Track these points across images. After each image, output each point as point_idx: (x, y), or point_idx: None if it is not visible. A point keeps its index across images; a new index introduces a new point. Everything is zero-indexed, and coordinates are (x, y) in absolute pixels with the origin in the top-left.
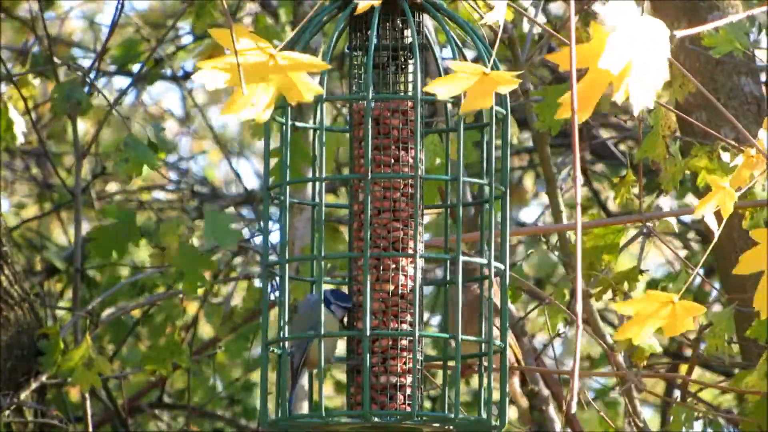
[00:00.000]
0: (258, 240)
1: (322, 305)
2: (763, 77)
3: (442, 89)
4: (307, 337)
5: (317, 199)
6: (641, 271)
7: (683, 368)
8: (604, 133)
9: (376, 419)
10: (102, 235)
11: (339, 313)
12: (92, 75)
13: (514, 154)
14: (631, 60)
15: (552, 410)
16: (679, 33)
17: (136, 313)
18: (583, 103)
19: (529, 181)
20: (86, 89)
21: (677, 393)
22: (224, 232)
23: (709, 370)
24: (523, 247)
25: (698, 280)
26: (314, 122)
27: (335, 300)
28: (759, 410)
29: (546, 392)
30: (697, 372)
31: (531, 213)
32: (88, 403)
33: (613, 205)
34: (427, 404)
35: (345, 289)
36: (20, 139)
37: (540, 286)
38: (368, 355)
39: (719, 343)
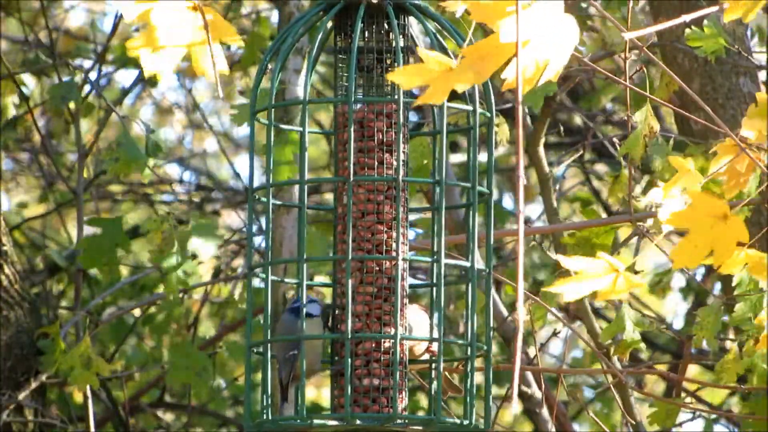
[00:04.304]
0: (258, 238)
1: (303, 314)
2: (761, 77)
3: (405, 79)
4: (291, 340)
5: (303, 202)
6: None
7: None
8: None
9: (358, 422)
10: (91, 245)
11: (314, 309)
12: (94, 74)
13: (514, 153)
14: (529, 42)
15: (545, 412)
16: (628, 35)
17: (137, 312)
18: (483, 63)
19: (534, 178)
20: (87, 88)
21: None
22: (208, 239)
23: (711, 370)
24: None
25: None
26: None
27: (306, 304)
28: (760, 406)
29: (539, 394)
30: (699, 373)
31: (537, 210)
32: (89, 402)
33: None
34: (424, 404)
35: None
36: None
37: (539, 286)
38: (350, 358)
39: (707, 335)
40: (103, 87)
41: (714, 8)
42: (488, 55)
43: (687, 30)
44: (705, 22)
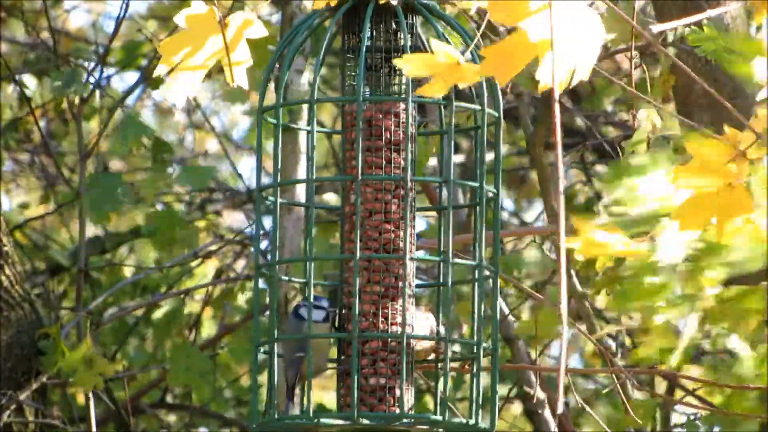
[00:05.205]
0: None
1: (311, 314)
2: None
3: (411, 67)
4: (298, 337)
5: (312, 201)
6: None
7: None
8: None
9: (365, 421)
10: (93, 200)
11: (318, 315)
12: (96, 74)
13: (516, 154)
14: (554, 40)
15: (547, 413)
16: (657, 27)
17: (139, 312)
18: (505, 64)
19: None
20: (90, 88)
21: (681, 392)
22: (198, 175)
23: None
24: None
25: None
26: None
27: (313, 303)
28: (737, 401)
29: (542, 395)
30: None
31: (537, 209)
32: (91, 403)
33: None
34: (431, 405)
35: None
36: None
37: (542, 286)
38: (357, 357)
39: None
40: (105, 86)
41: (719, 9)
42: (509, 56)
43: (686, 29)
44: (704, 21)
